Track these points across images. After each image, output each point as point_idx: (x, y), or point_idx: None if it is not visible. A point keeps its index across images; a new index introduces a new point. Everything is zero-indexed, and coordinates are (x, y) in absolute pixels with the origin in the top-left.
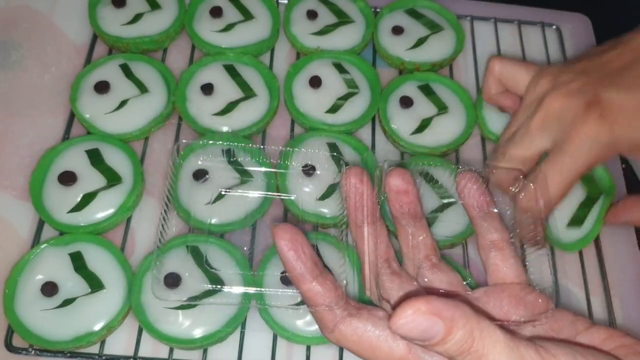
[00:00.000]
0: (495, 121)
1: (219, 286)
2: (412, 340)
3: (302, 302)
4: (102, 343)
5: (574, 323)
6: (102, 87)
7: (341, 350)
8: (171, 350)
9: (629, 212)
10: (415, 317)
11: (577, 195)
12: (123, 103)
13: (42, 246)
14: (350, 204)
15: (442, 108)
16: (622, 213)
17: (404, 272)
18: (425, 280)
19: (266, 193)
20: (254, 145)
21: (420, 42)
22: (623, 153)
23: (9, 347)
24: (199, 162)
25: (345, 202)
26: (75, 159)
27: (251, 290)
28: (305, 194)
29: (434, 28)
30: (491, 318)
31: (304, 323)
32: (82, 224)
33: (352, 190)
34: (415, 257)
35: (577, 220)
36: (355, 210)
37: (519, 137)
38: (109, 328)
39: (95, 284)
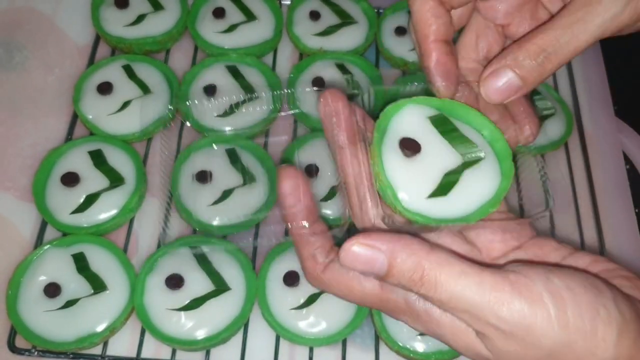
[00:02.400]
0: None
1: (221, 287)
2: (362, 272)
3: (304, 304)
4: (105, 344)
5: (557, 249)
6: (104, 88)
7: (344, 351)
8: (174, 352)
9: None
10: (356, 249)
11: None
12: (126, 104)
13: (45, 247)
14: (328, 126)
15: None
16: None
17: None
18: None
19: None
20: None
21: None
22: None
23: (12, 348)
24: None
25: (324, 126)
26: (78, 160)
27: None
28: None
29: None
30: (461, 256)
31: (307, 324)
32: (84, 225)
33: (329, 114)
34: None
35: None
36: (337, 131)
37: None
38: (112, 329)
39: (97, 285)
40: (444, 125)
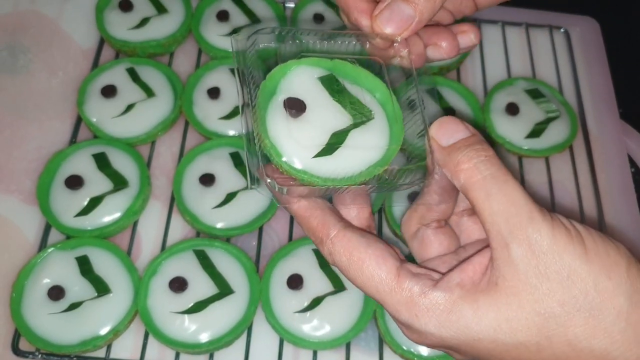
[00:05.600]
0: (503, 125)
1: (225, 290)
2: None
3: (308, 307)
4: (109, 347)
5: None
6: (109, 91)
7: (347, 355)
8: (177, 355)
9: None
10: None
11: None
12: (130, 107)
13: (49, 250)
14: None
15: (449, 112)
16: None
17: None
18: None
19: None
20: None
21: None
22: None
23: (16, 350)
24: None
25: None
26: (82, 163)
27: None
28: None
29: None
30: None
31: (311, 328)
32: (88, 228)
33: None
34: None
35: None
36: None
37: None
38: (115, 332)
39: (101, 288)
40: (333, 85)
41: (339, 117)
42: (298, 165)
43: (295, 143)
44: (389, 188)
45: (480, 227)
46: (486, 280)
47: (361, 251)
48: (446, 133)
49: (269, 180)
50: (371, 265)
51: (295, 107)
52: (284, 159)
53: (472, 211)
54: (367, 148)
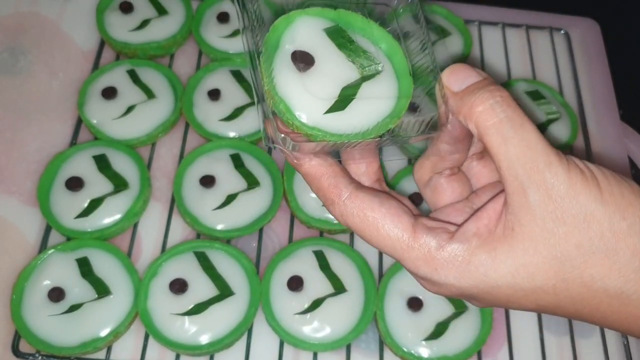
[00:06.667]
0: None
1: (225, 291)
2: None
3: (308, 309)
4: (109, 349)
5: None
6: (109, 93)
7: (348, 356)
8: (177, 357)
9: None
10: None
11: None
12: (130, 109)
13: (49, 251)
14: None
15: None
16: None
17: None
18: None
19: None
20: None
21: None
22: None
23: (16, 352)
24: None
25: None
26: (82, 165)
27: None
28: (311, 199)
29: (441, 33)
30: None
31: (311, 329)
32: (89, 230)
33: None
34: None
35: None
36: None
37: None
38: (116, 334)
39: (101, 289)
40: (340, 37)
41: (347, 70)
42: (310, 122)
43: (306, 98)
44: (402, 141)
45: (489, 170)
46: (502, 227)
47: (375, 211)
48: (458, 79)
49: (282, 136)
50: (386, 224)
51: (304, 60)
52: (296, 115)
53: (481, 155)
54: (377, 101)
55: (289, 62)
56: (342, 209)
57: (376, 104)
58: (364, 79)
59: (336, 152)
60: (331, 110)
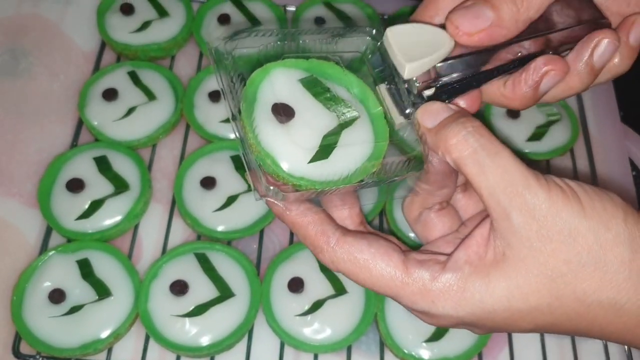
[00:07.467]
0: (504, 128)
1: (226, 293)
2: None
3: (309, 311)
4: (109, 350)
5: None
6: (110, 95)
7: (348, 358)
8: (178, 358)
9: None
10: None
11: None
12: (131, 110)
13: (50, 253)
14: None
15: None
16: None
17: None
18: None
19: None
20: None
21: None
22: None
23: (17, 354)
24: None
25: None
26: (83, 166)
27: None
28: None
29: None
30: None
31: (312, 331)
32: (89, 231)
33: None
34: None
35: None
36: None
37: None
38: (116, 335)
39: (102, 291)
40: (315, 86)
41: (326, 119)
42: (296, 172)
43: (290, 149)
44: (386, 182)
45: (474, 202)
46: (492, 252)
47: (364, 252)
48: (431, 115)
49: (272, 188)
50: (377, 264)
51: (285, 112)
52: (282, 166)
53: (465, 187)
54: (357, 146)
55: (269, 114)
56: (331, 255)
57: (356, 149)
58: (342, 126)
59: (317, 200)
60: (315, 159)
